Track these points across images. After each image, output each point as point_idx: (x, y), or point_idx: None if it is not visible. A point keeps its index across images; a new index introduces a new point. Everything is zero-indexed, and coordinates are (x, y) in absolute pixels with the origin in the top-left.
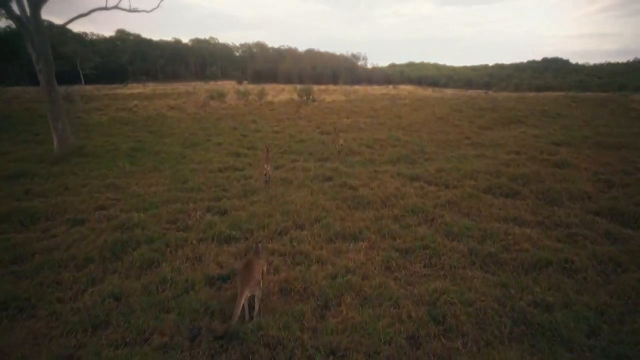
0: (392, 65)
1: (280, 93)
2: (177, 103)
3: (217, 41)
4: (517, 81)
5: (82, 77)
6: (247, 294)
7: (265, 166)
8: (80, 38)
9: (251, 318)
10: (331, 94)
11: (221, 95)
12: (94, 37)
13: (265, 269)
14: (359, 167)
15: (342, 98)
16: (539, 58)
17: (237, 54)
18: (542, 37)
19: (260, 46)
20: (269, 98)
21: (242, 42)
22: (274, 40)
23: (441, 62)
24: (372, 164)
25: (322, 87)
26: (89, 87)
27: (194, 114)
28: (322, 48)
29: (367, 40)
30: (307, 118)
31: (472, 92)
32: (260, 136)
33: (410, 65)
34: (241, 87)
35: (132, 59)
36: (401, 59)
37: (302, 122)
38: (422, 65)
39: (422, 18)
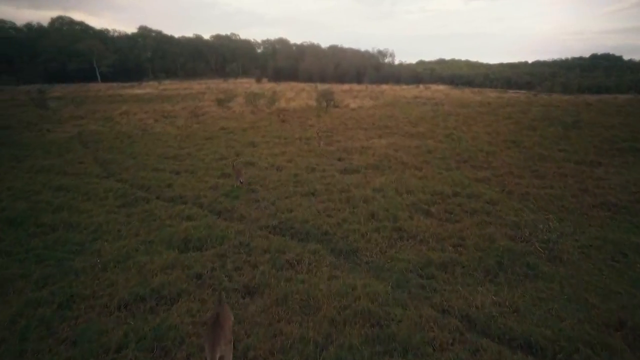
0: (421, 63)
1: (299, 94)
2: (174, 110)
3: (238, 37)
4: (563, 80)
5: (98, 74)
6: (217, 356)
7: (240, 179)
8: (102, 35)
9: None
10: (356, 96)
11: (227, 100)
12: (116, 34)
13: (232, 320)
14: (417, 299)
15: (369, 103)
16: (573, 54)
17: (259, 51)
18: (572, 32)
19: (283, 42)
20: (282, 104)
21: (264, 38)
22: (297, 37)
23: (472, 59)
24: (451, 286)
25: (346, 86)
26: (101, 86)
27: (184, 127)
28: (346, 45)
29: (393, 36)
30: (325, 136)
31: (518, 95)
32: (252, 176)
33: (441, 62)
34: (256, 87)
35: (152, 56)
36: (429, 56)
37: (318, 147)
38: (454, 63)
39: (449, 13)
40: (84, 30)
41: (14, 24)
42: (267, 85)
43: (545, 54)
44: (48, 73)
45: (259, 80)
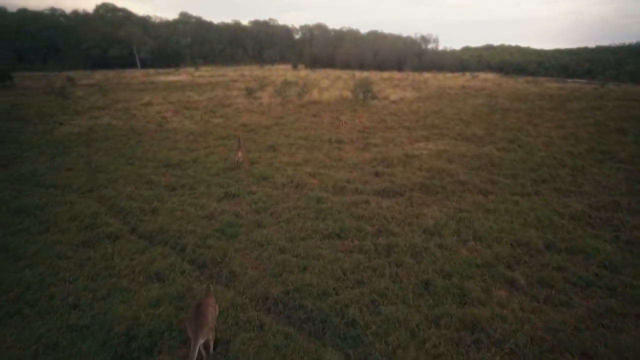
0: (467, 49)
1: (334, 84)
2: (200, 100)
3: (276, 23)
4: (632, 68)
5: (137, 61)
6: (200, 341)
7: (239, 154)
8: (143, 21)
9: None
10: (397, 85)
11: (257, 90)
12: (157, 20)
13: (217, 310)
14: None
15: (412, 94)
16: (638, 39)
17: (297, 37)
18: (634, 15)
19: (321, 28)
20: (315, 95)
21: (302, 24)
22: (336, 22)
23: (522, 44)
24: None
25: (386, 74)
26: (138, 72)
27: (202, 122)
28: (387, 30)
29: (436, 21)
30: (361, 137)
31: (581, 86)
32: (262, 199)
33: (488, 48)
34: (291, 75)
35: (192, 42)
36: (475, 42)
37: (351, 154)
38: (503, 49)
39: None
40: (127, 17)
41: (64, 11)
42: (303, 73)
43: (604, 39)
44: (91, 59)
45: (295, 67)
